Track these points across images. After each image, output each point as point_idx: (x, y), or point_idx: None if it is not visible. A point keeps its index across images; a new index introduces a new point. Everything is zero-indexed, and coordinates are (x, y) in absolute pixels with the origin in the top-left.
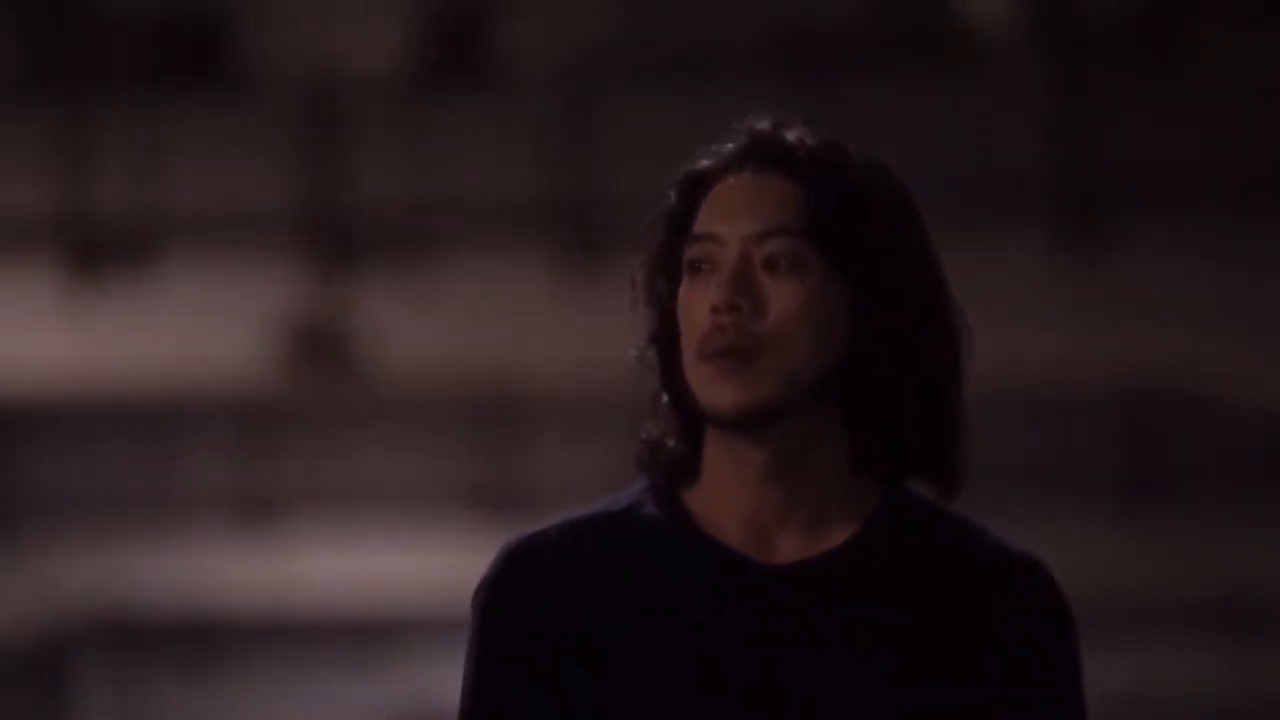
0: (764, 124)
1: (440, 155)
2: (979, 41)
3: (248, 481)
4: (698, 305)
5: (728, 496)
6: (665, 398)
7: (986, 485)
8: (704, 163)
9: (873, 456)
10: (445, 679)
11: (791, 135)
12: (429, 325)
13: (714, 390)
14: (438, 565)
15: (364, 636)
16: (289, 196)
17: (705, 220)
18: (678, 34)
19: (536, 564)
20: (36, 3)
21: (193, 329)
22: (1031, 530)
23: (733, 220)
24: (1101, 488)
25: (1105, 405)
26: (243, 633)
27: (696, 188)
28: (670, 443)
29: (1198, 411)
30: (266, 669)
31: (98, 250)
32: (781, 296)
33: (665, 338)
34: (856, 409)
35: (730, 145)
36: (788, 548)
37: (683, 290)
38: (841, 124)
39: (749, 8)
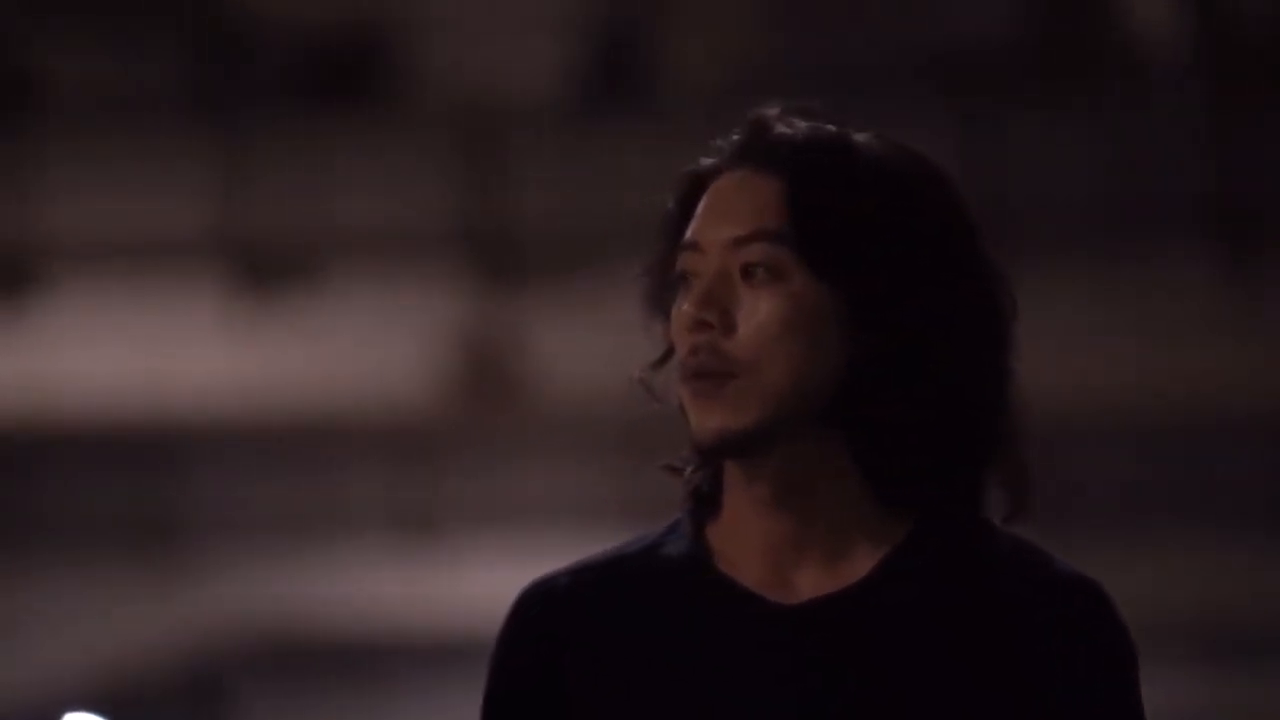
0: (764, 112)
1: (602, 172)
2: (1142, 60)
3: (410, 499)
4: (678, 322)
5: (744, 530)
6: None
7: (1151, 511)
8: (703, 161)
9: (890, 483)
10: None
11: (783, 125)
12: (592, 343)
13: (694, 416)
14: None
15: None
16: (452, 215)
17: (694, 226)
18: (835, 54)
19: (547, 615)
20: (195, 24)
21: (354, 347)
22: (1194, 557)
23: (713, 225)
24: (1267, 514)
25: (1273, 429)
26: (405, 653)
27: (693, 189)
28: (692, 471)
29: None
30: (428, 689)
31: (259, 270)
32: (757, 310)
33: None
34: (857, 433)
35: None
36: (806, 584)
37: (675, 305)
38: (1001, 143)
39: (906, 27)
